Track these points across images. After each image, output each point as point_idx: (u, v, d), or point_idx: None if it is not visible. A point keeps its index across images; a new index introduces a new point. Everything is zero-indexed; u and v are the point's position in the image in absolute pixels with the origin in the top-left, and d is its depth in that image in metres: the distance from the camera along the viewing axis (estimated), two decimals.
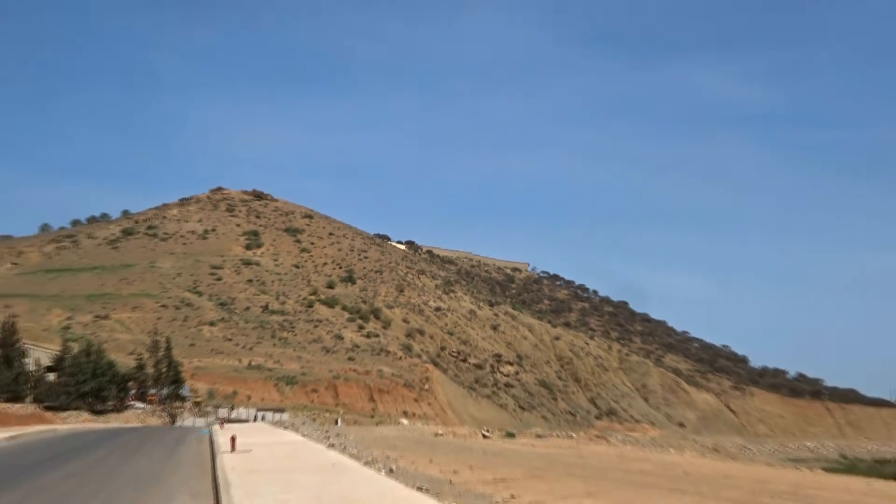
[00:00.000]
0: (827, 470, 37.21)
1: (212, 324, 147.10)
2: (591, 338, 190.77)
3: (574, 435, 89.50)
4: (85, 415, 76.06)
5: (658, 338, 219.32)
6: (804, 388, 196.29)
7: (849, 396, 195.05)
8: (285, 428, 56.70)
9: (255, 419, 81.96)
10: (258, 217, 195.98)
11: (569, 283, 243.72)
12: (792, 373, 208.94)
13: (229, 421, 71.58)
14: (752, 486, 19.94)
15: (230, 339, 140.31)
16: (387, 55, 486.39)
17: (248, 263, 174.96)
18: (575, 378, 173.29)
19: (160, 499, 16.45)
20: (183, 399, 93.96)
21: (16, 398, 72.19)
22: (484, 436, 67.34)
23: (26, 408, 68.95)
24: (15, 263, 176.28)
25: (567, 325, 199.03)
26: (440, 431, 75.42)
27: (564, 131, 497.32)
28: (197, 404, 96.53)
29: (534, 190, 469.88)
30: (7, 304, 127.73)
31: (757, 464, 42.83)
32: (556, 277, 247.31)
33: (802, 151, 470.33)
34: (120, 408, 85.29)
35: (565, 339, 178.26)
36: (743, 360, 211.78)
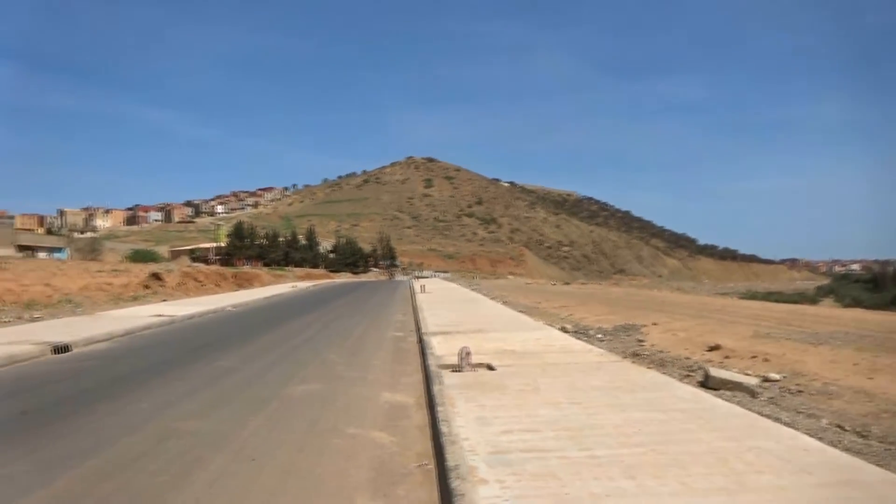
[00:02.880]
0: (740, 298, 46.65)
1: (408, 227, 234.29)
2: (610, 230, 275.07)
3: (601, 283, 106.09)
4: (349, 273, 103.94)
5: (647, 229, 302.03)
6: (728, 254, 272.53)
7: (753, 258, 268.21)
8: (448, 281, 69.84)
9: (431, 276, 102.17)
10: (430, 171, 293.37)
11: (598, 202, 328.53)
12: (720, 246, 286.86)
13: (419, 277, 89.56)
14: (699, 306, 24.43)
15: (418, 235, 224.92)
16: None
17: (426, 196, 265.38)
18: (602, 252, 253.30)
19: (389, 314, 21.65)
20: (395, 266, 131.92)
21: (314, 266, 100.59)
22: (552, 284, 75.55)
23: (321, 271, 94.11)
24: (312, 199, 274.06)
25: (597, 224, 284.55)
26: (529, 282, 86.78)
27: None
28: (403, 268, 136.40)
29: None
30: (309, 219, 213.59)
31: (701, 295, 49.75)
32: (591, 198, 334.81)
33: None
34: (365, 270, 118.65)
35: (597, 232, 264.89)
36: (693, 240, 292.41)
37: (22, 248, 64.48)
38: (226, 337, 15.26)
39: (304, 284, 53.58)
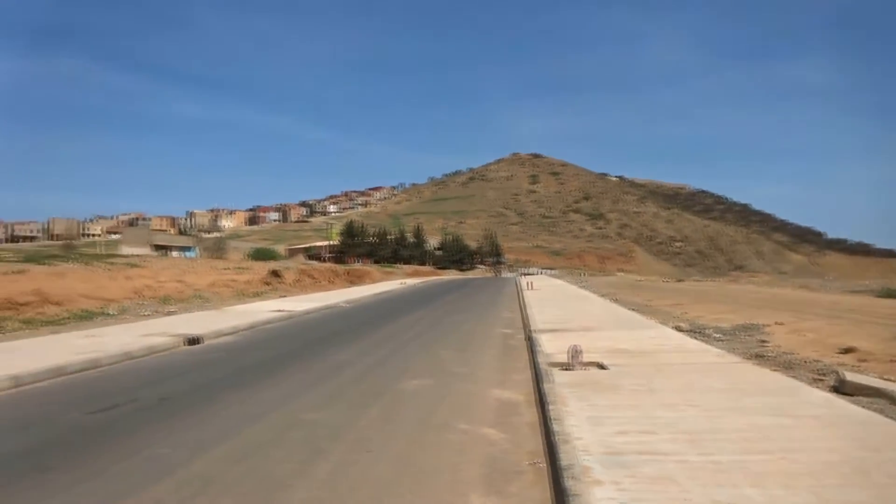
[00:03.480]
0: (876, 296, 39.21)
1: (514, 224, 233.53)
2: (727, 225, 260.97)
3: (717, 280, 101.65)
4: (455, 271, 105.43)
5: (767, 223, 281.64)
6: (860, 249, 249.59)
7: (892, 253, 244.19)
8: (555, 278, 69.28)
9: (538, 273, 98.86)
10: (536, 167, 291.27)
11: (713, 195, 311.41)
12: (851, 240, 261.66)
13: (526, 274, 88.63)
14: (829, 305, 23.07)
15: (524, 232, 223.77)
16: None
17: (532, 192, 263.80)
18: (717, 248, 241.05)
19: (496, 311, 21.84)
20: (501, 263, 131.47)
21: (422, 263, 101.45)
22: (664, 281, 74.19)
23: (428, 268, 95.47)
24: (419, 197, 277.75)
25: (713, 218, 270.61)
26: (639, 279, 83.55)
27: None
28: (509, 265, 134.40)
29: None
30: (416, 217, 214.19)
31: (831, 293, 45.49)
32: (705, 191, 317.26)
33: None
34: (471, 267, 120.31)
35: (712, 227, 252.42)
36: (820, 234, 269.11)
37: (157, 247, 69.92)
38: (340, 332, 15.84)
39: (412, 281, 54.64)
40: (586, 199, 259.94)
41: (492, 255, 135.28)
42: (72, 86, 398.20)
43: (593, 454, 4.97)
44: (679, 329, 14.54)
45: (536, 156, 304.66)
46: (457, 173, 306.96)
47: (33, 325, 15.57)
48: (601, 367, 9.05)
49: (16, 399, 8.16)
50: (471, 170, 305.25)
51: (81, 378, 9.59)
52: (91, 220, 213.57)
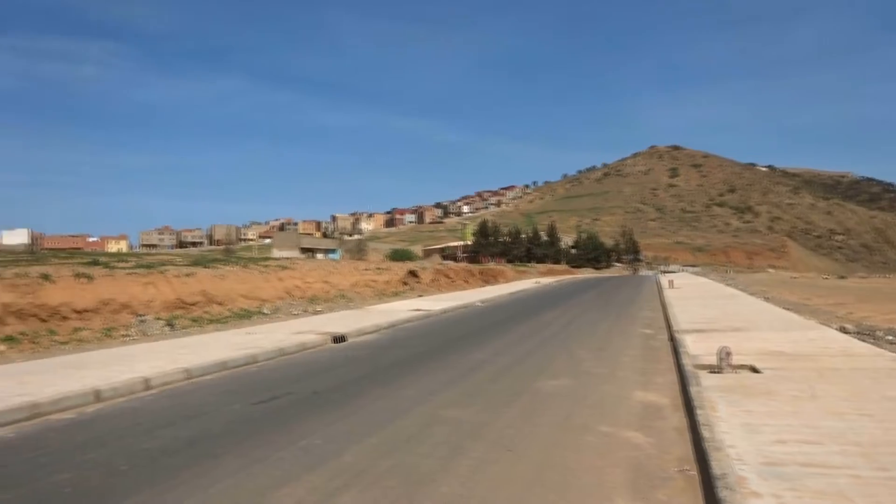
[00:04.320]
0: None
1: (652, 220, 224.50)
2: None
3: (887, 276, 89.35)
4: (590, 269, 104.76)
5: None
6: None
7: None
8: (698, 276, 66.64)
9: (679, 271, 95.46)
10: (675, 159, 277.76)
11: (881, 182, 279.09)
12: None
13: (666, 272, 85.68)
14: None
15: (663, 228, 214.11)
16: None
17: (671, 186, 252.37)
18: (887, 241, 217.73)
19: (635, 310, 21.28)
20: (639, 260, 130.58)
21: (556, 262, 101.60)
22: (824, 278, 69.72)
23: (563, 266, 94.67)
24: (552, 195, 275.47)
25: (881, 208, 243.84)
26: (794, 275, 79.23)
27: None
28: (648, 263, 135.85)
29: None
30: (549, 215, 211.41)
31: None
32: (871, 179, 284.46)
33: None
34: (608, 265, 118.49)
35: (880, 218, 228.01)
36: None
37: (304, 250, 74.38)
38: (477, 331, 16.02)
39: (546, 280, 54.16)
40: (731, 191, 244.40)
41: (629, 252, 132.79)
42: (228, 103, 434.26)
43: (749, 464, 4.66)
44: (844, 331, 13.28)
45: (676, 148, 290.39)
46: (591, 169, 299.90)
47: (200, 322, 17.11)
48: (754, 370, 8.47)
49: (188, 390, 9.01)
50: (605, 165, 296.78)
51: (242, 372, 10.41)
52: (246, 226, 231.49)
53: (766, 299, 24.26)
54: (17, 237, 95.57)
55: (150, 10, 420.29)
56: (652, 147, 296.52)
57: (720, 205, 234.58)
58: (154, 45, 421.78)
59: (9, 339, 12.63)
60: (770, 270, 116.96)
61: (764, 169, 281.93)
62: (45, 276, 14.67)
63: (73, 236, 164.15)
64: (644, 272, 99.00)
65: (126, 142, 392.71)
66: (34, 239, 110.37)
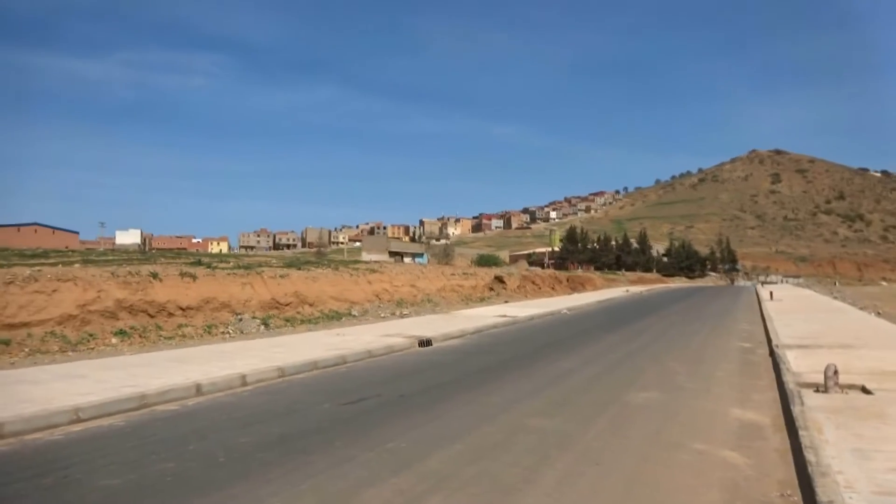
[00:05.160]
0: None
1: (752, 228, 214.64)
2: None
3: None
4: (683, 279, 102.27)
5: None
6: None
7: None
8: (801, 287, 63.79)
9: (780, 282, 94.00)
10: (778, 164, 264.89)
11: None
12: None
13: (765, 283, 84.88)
14: None
15: (763, 237, 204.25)
16: None
17: (773, 192, 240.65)
18: None
19: (732, 322, 20.41)
20: (737, 270, 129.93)
21: (647, 270, 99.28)
22: None
23: (654, 275, 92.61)
24: (643, 202, 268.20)
25: None
26: None
27: None
28: (746, 273, 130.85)
29: None
30: (640, 222, 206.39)
31: None
32: None
33: None
34: (702, 275, 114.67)
35: None
36: None
37: (392, 253, 75.77)
38: (564, 338, 15.79)
39: (636, 289, 52.75)
40: (840, 198, 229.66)
41: (725, 261, 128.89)
42: (323, 111, 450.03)
43: (860, 492, 4.34)
44: None
45: (778, 152, 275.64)
46: (685, 175, 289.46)
47: (292, 322, 17.76)
48: (865, 390, 7.90)
49: (281, 388, 9.35)
50: (701, 171, 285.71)
51: (332, 372, 10.71)
52: (338, 229, 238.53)
53: (879, 314, 22.65)
54: (130, 237, 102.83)
55: (253, 24, 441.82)
56: (752, 151, 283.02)
57: (827, 212, 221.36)
58: (256, 56, 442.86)
59: (121, 333, 13.56)
60: (883, 283, 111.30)
61: (877, 174, 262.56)
62: (154, 275, 15.64)
63: (179, 237, 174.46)
64: (741, 282, 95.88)
65: (228, 148, 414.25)
66: (145, 239, 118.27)
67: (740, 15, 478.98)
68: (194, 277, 16.62)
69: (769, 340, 14.38)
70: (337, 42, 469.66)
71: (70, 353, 12.00)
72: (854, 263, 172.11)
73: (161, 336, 14.13)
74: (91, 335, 13.02)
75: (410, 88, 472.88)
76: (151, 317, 14.60)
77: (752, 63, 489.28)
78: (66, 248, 47.82)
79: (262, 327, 16.62)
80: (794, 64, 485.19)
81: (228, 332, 15.54)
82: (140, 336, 13.81)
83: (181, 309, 15.37)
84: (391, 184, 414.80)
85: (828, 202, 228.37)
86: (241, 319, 16.50)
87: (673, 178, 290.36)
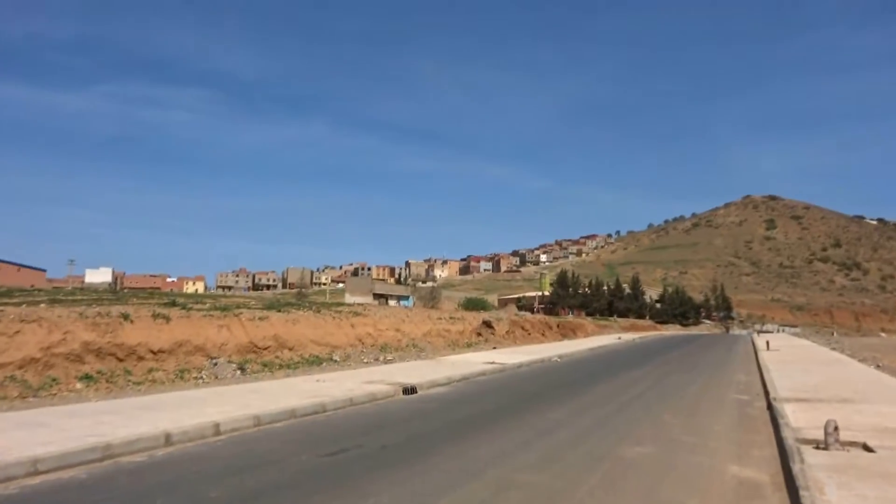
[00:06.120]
0: None
1: (747, 275, 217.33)
2: None
3: None
4: (677, 326, 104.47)
5: None
6: None
7: None
8: (798, 337, 62.83)
9: (776, 331, 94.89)
10: (772, 210, 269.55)
11: None
12: None
13: (761, 331, 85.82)
14: None
15: (758, 284, 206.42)
16: None
17: (768, 238, 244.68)
18: None
19: (728, 373, 20.61)
20: (732, 318, 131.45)
21: (640, 317, 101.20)
22: None
23: (647, 322, 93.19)
24: (636, 246, 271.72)
25: None
26: None
27: None
28: (741, 321, 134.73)
29: None
30: (633, 267, 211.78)
31: None
32: None
33: None
34: (696, 322, 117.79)
35: None
36: None
37: (377, 296, 75.58)
38: (554, 387, 15.68)
39: (629, 336, 52.73)
40: (836, 245, 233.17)
41: (719, 308, 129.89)
42: (310, 148, 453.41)
43: None
44: None
45: (773, 198, 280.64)
46: (679, 219, 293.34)
47: (271, 367, 17.52)
48: (867, 448, 7.86)
49: (257, 437, 9.16)
50: (695, 215, 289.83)
51: (311, 421, 10.52)
52: (320, 270, 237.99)
53: (879, 367, 22.65)
54: (101, 276, 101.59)
55: (240, 58, 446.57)
56: (746, 197, 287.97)
57: (823, 260, 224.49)
58: (242, 91, 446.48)
59: (87, 378, 13.29)
60: (882, 335, 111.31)
61: (873, 222, 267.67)
62: (125, 316, 15.44)
63: (152, 276, 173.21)
64: (737, 331, 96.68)
65: (209, 184, 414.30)
66: (116, 278, 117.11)
67: (734, 60, 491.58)
68: (168, 319, 16.42)
69: (767, 392, 14.33)
70: (326, 78, 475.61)
71: (31, 399, 11.72)
72: (851, 313, 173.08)
73: (130, 381, 13.86)
74: (54, 380, 12.75)
75: (400, 127, 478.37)
76: (120, 360, 14.35)
77: (746, 108, 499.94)
78: (32, 286, 47.25)
79: (239, 372, 16.38)
80: (789, 109, 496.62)
81: (202, 378, 15.29)
82: (107, 381, 13.54)
83: (153, 352, 15.14)
84: (377, 223, 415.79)
85: (824, 249, 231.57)
86: (216, 364, 16.26)
87: (666, 222, 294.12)
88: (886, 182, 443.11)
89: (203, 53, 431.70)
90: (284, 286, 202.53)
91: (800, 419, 9.95)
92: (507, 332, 35.98)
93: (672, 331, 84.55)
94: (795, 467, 6.83)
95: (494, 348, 29.54)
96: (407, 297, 77.92)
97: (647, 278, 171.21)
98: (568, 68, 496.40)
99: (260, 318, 19.53)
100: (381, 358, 21.71)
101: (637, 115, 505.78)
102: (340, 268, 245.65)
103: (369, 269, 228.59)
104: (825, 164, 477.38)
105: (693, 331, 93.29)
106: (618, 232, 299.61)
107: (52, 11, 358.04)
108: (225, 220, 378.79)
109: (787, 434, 8.74)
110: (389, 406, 12.30)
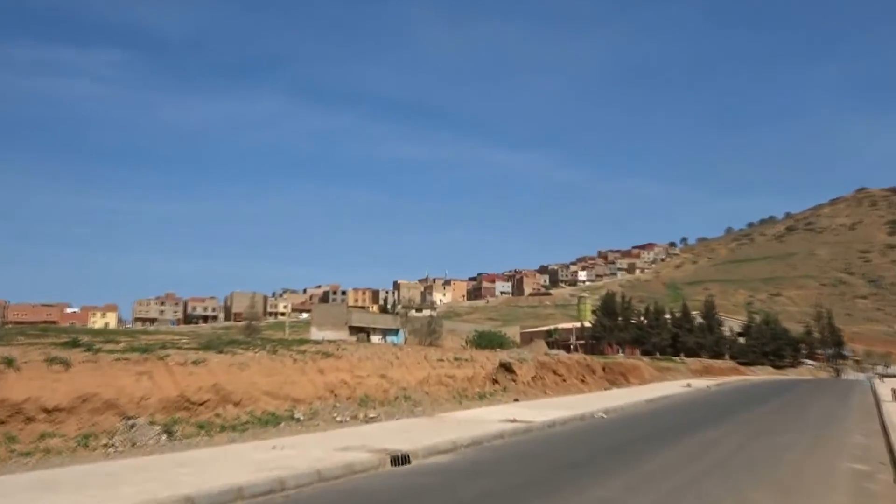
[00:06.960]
0: None
1: (864, 297, 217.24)
2: None
3: None
4: (768, 368, 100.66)
5: None
6: None
7: None
8: None
9: None
10: None
11: None
12: None
13: (885, 376, 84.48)
14: None
15: (880, 310, 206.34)
16: None
17: (891, 247, 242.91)
18: None
19: (839, 433, 20.88)
20: (844, 357, 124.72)
21: (717, 356, 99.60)
22: None
23: (726, 363, 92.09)
24: (709, 258, 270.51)
25: None
26: None
27: None
28: (857, 362, 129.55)
29: None
30: (705, 287, 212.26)
31: None
32: None
33: None
34: (794, 364, 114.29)
35: None
36: None
37: (354, 329, 75.50)
38: (599, 454, 15.65)
39: (701, 382, 52.62)
40: None
41: (826, 344, 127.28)
42: (262, 129, 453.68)
43: None
44: None
45: None
46: (768, 221, 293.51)
47: (209, 429, 17.46)
48: None
49: None
50: (790, 216, 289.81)
51: (264, 502, 10.46)
52: (276, 295, 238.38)
53: None
54: None
55: (168, 12, 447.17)
56: (860, 190, 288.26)
57: None
58: (169, 55, 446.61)
59: None
60: None
61: None
62: (9, 362, 15.42)
63: (46, 306, 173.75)
64: (851, 375, 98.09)
65: (123, 179, 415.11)
66: None
67: (842, 6, 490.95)
68: (67, 365, 16.39)
69: (895, 461, 14.30)
70: (283, 35, 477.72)
71: None
72: None
73: (13, 451, 13.81)
74: None
75: (384, 100, 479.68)
76: (1, 423, 14.32)
77: (858, 70, 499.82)
78: None
79: (165, 437, 16.33)
80: None
81: (114, 445, 15.25)
82: None
83: (46, 411, 15.10)
84: (354, 231, 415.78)
85: None
86: (133, 426, 16.23)
87: (751, 225, 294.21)
88: None
89: (114, 2, 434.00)
90: (228, 317, 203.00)
91: None
92: (533, 377, 35.90)
93: (762, 375, 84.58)
94: None
95: (516, 400, 29.48)
96: (396, 332, 77.92)
97: (725, 303, 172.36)
98: (609, 20, 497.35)
99: (194, 363, 19.50)
100: (361, 415, 21.66)
101: (705, 82, 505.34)
102: (304, 291, 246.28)
103: (344, 293, 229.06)
104: None
105: (790, 375, 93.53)
106: (684, 240, 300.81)
107: None
108: (146, 230, 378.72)
109: None
110: (373, 482, 12.24)
